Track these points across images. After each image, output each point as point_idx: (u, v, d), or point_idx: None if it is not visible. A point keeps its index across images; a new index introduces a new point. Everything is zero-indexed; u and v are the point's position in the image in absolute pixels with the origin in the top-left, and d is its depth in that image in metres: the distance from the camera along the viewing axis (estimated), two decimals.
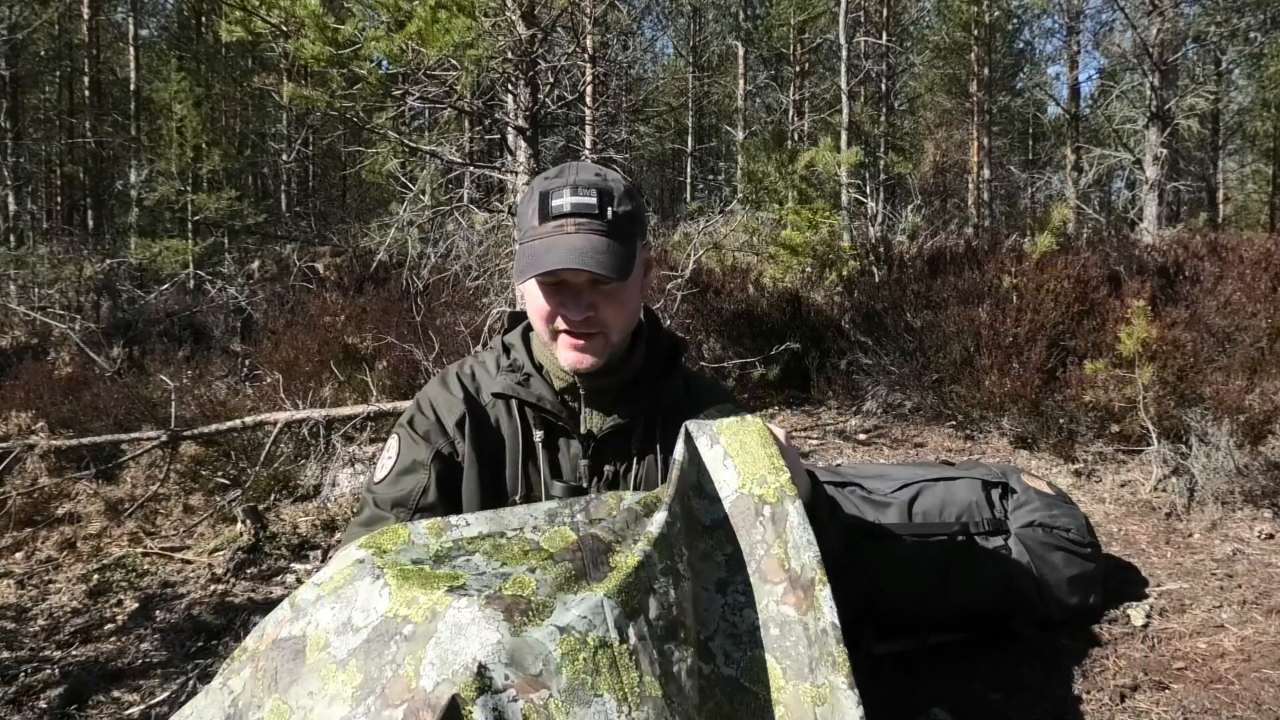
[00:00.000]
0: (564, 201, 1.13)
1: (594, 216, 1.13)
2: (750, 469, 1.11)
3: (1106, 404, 3.84)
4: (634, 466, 1.26)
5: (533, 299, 1.20)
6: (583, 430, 1.26)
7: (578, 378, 1.24)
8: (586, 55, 5.67)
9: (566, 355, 1.19)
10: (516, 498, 1.23)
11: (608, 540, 0.97)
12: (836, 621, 0.99)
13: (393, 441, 1.29)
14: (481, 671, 0.78)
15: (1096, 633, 2.30)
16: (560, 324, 1.18)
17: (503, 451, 1.26)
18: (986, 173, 16.48)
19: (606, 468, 1.25)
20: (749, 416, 1.19)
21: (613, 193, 1.15)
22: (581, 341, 1.18)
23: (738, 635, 1.02)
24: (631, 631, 0.88)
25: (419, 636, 0.81)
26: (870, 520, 2.27)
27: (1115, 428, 3.85)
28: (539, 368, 1.27)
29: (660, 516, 1.02)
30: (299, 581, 2.92)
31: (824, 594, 1.01)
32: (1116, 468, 3.77)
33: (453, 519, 1.05)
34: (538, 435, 1.26)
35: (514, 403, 1.27)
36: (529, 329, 1.31)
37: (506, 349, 1.31)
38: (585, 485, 1.24)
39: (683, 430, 1.16)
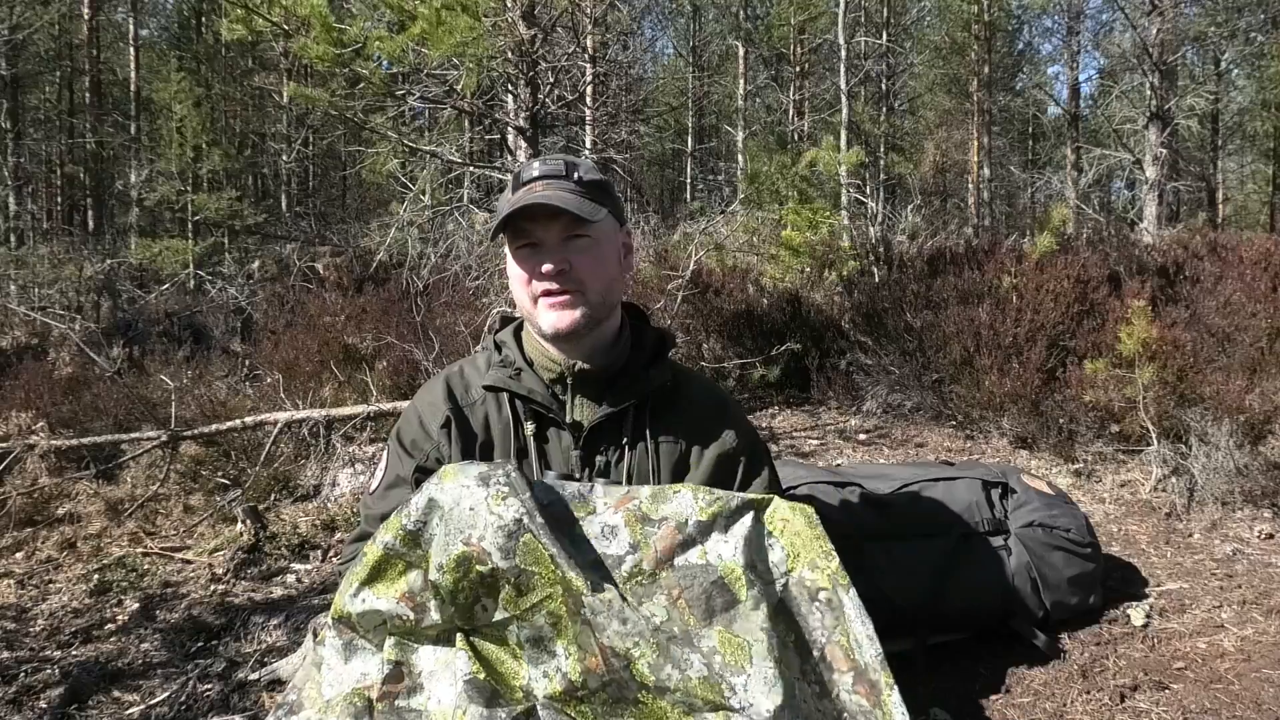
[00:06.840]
0: (534, 170, 1.22)
1: (562, 177, 1.21)
2: (799, 551, 1.06)
3: (1106, 404, 3.83)
4: (625, 455, 1.28)
5: (512, 269, 1.25)
6: (569, 420, 1.28)
7: (564, 356, 1.27)
8: (586, 55, 5.67)
9: (547, 317, 1.23)
10: None
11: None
12: None
13: (384, 453, 1.37)
14: None
15: (1096, 633, 2.30)
16: (538, 286, 1.21)
17: (492, 446, 1.29)
18: (986, 173, 16.47)
19: (598, 458, 1.28)
20: (794, 504, 1.10)
21: (579, 164, 1.23)
22: (559, 299, 1.21)
23: None
24: None
25: (510, 707, 0.96)
26: (870, 520, 2.27)
27: (1115, 428, 3.85)
28: (530, 362, 1.30)
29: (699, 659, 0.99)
30: (299, 581, 2.91)
31: (894, 699, 0.98)
32: (1116, 468, 3.77)
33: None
34: (529, 428, 1.28)
35: (504, 396, 1.30)
36: (520, 328, 1.36)
37: (498, 346, 1.35)
38: (578, 476, 1.26)
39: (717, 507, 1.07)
